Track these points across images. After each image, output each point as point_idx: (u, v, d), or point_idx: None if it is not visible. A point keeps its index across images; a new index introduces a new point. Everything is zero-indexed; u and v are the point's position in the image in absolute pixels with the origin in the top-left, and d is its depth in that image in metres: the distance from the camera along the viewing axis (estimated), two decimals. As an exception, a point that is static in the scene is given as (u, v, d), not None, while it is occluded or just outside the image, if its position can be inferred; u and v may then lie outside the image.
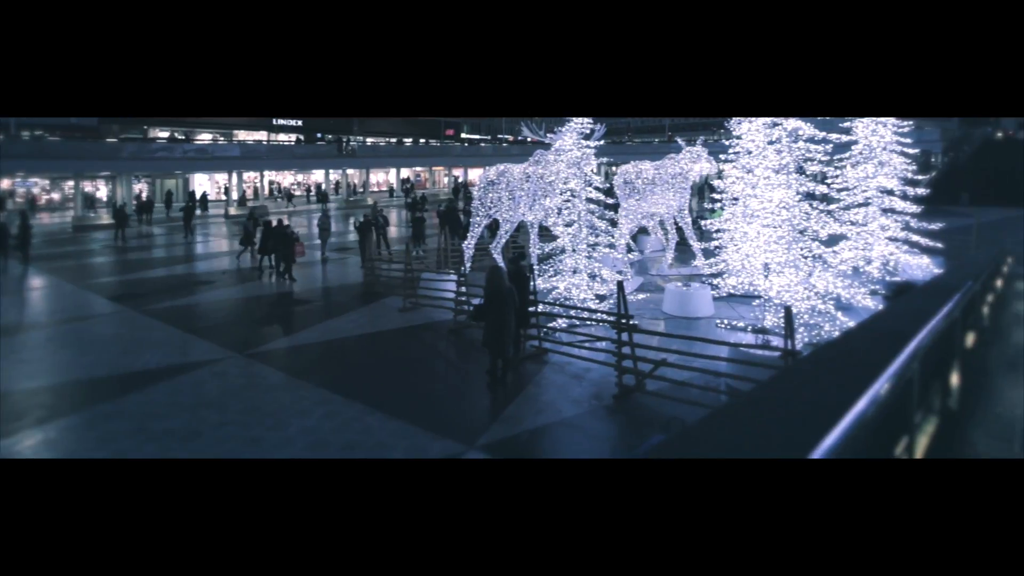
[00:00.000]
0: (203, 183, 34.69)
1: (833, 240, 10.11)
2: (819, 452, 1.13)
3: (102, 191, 31.96)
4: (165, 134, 37.15)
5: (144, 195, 30.45)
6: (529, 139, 11.89)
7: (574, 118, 10.54)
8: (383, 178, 43.44)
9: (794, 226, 8.80)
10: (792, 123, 9.54)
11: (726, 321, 8.88)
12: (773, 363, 5.67)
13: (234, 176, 33.43)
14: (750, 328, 8.18)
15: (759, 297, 8.76)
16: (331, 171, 38.48)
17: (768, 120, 9.74)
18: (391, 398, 6.49)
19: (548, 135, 11.00)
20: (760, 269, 8.91)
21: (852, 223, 11.55)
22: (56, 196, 30.78)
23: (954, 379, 3.66)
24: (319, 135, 43.83)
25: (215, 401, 6.53)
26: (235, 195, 33.00)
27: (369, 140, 45.40)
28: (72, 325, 9.77)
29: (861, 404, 1.46)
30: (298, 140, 41.75)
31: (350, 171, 40.02)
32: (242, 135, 41.56)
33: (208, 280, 13.45)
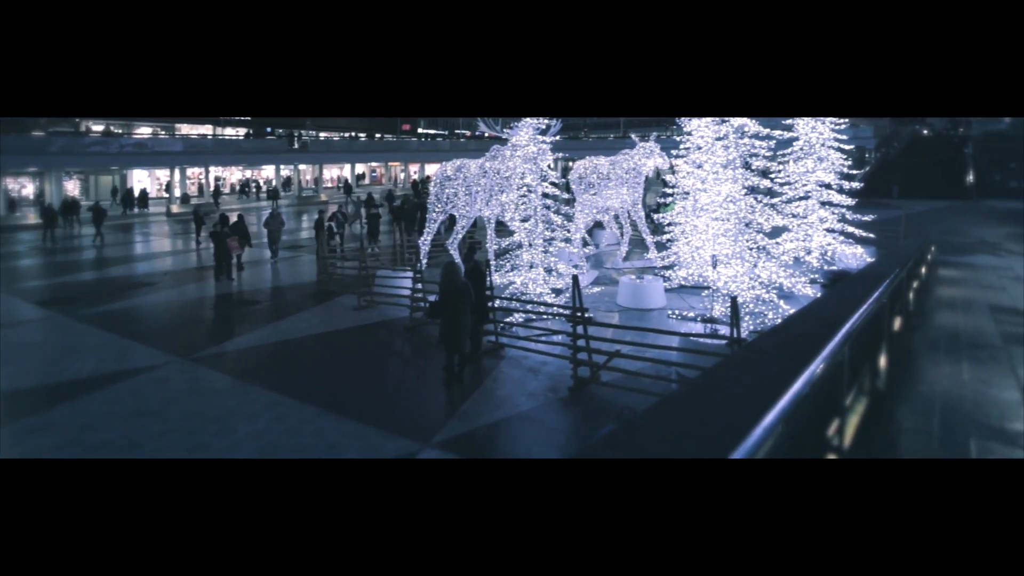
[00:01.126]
0: (142, 179, 32.83)
1: (776, 232, 10.57)
2: (756, 434, 1.16)
3: (28, 188, 29.70)
4: (100, 127, 34.81)
5: (71, 194, 28.48)
6: (486, 134, 11.88)
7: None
8: (337, 173, 42.30)
9: (740, 219, 9.13)
10: (739, 120, 9.87)
11: (677, 312, 9.14)
12: (720, 351, 5.87)
13: (176, 172, 31.75)
14: (700, 318, 8.45)
15: (708, 288, 9.06)
16: (282, 166, 37.16)
17: (717, 116, 10.04)
18: (344, 399, 6.33)
19: (505, 130, 10.97)
20: (709, 261, 9.21)
21: (793, 216, 12.11)
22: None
23: (882, 361, 3.89)
24: (269, 129, 42.19)
25: (156, 409, 6.20)
26: (177, 192, 31.38)
27: (322, 134, 44.09)
28: (-7, 333, 9.04)
29: (796, 387, 1.52)
30: (247, 134, 40.02)
31: (302, 166, 38.74)
32: (185, 128, 39.49)
33: (148, 282, 12.74)
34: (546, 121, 10.62)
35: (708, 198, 9.83)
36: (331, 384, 6.86)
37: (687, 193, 11.17)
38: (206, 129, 40.70)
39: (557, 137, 10.94)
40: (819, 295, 8.90)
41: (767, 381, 1.58)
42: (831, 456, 2.40)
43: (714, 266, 8.75)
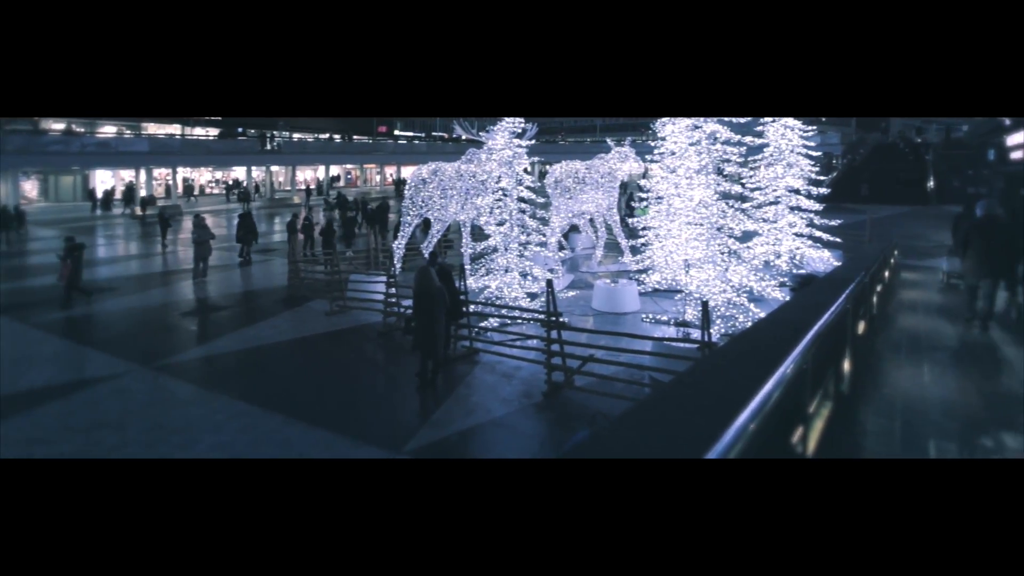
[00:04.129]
0: (106, 180, 31.72)
1: (747, 236, 10.77)
2: (724, 441, 1.15)
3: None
4: (60, 125, 33.48)
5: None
6: (463, 137, 11.85)
7: (506, 118, 10.52)
8: (310, 176, 41.63)
9: (712, 224, 9.26)
10: (711, 126, 10.03)
11: (651, 315, 9.21)
12: (692, 354, 5.92)
13: (142, 173, 30.77)
14: (672, 321, 8.52)
15: (681, 291, 9.15)
16: (254, 168, 36.37)
17: (690, 123, 10.20)
18: (314, 407, 6.18)
19: (481, 134, 10.92)
20: (682, 265, 9.31)
21: (764, 220, 12.37)
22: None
23: (846, 365, 3.96)
24: (240, 129, 41.26)
25: (113, 421, 5.94)
26: (143, 193, 30.41)
27: (296, 136, 43.33)
28: (-62, 341, 8.58)
29: (761, 394, 1.51)
30: (221, 134, 39.08)
31: (275, 168, 37.99)
32: (152, 128, 38.28)
33: (110, 287, 12.26)
34: (522, 124, 10.61)
35: (681, 203, 9.95)
36: (300, 392, 6.68)
37: (661, 198, 11.30)
38: (174, 129, 39.52)
39: (533, 141, 10.94)
40: (788, 299, 9.08)
41: (734, 387, 1.58)
42: (803, 456, 2.42)
43: (687, 270, 8.85)
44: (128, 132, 35.78)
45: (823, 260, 12.04)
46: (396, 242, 11.92)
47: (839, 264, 10.85)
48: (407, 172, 44.66)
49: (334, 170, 43.07)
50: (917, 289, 8.78)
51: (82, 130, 33.16)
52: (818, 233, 12.51)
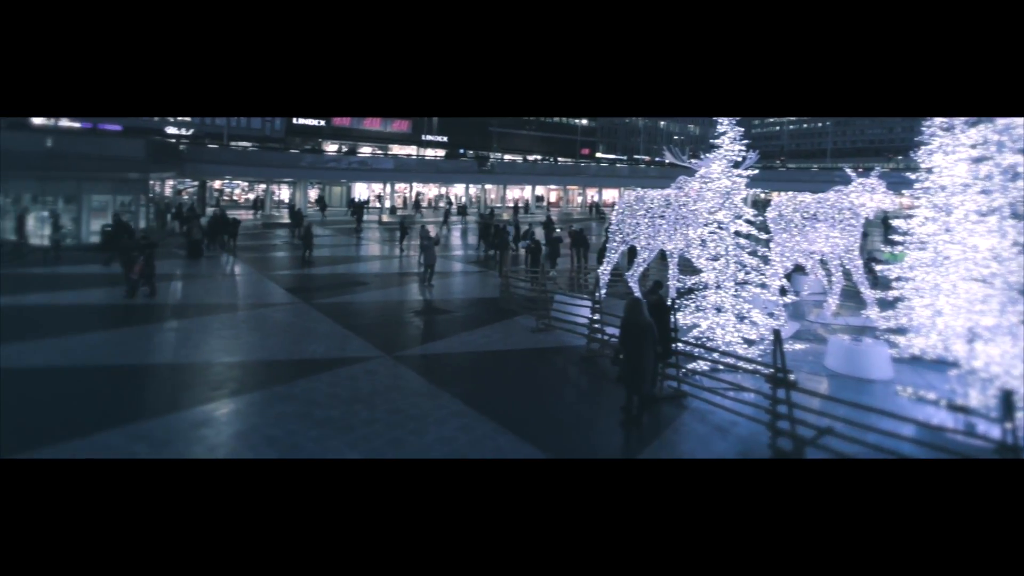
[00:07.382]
0: (362, 191, 39.00)
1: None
2: None
3: (284, 193, 37.39)
4: (334, 147, 42.70)
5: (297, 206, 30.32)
6: (667, 161, 11.42)
7: (723, 146, 9.80)
8: (518, 194, 45.02)
9: (1010, 284, 7.25)
10: (1009, 157, 7.95)
11: (910, 390, 7.54)
12: (980, 454, 4.66)
13: (388, 187, 37.04)
14: (946, 403, 6.84)
15: (957, 366, 7.33)
16: (471, 185, 40.88)
17: (975, 153, 8.28)
18: (522, 421, 6.52)
19: (692, 160, 10.42)
20: (960, 331, 7.46)
21: (1094, 284, 9.23)
22: (252, 196, 36.65)
23: None
24: (461, 151, 47.17)
25: (366, 398, 7.13)
26: (388, 204, 36.57)
27: (507, 157, 47.56)
28: (260, 311, 11.45)
29: None
30: (447, 155, 45.45)
31: (488, 186, 42.13)
32: (395, 149, 46.15)
33: (363, 281, 14.93)
34: (743, 152, 9.76)
35: (960, 252, 8.04)
36: (510, 403, 7.12)
37: (925, 243, 9.32)
38: (411, 150, 47.03)
39: (755, 171, 9.99)
40: None
41: None
42: None
43: (969, 340, 7.06)
44: (379, 152, 43.70)
45: None
46: (601, 268, 12.05)
47: None
48: (608, 195, 45.28)
49: (539, 190, 45.90)
50: None
51: (347, 150, 41.65)
52: None
